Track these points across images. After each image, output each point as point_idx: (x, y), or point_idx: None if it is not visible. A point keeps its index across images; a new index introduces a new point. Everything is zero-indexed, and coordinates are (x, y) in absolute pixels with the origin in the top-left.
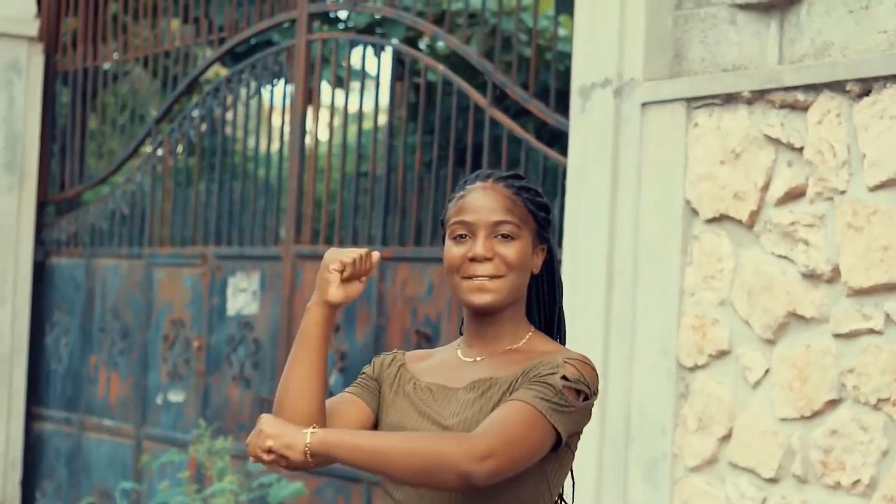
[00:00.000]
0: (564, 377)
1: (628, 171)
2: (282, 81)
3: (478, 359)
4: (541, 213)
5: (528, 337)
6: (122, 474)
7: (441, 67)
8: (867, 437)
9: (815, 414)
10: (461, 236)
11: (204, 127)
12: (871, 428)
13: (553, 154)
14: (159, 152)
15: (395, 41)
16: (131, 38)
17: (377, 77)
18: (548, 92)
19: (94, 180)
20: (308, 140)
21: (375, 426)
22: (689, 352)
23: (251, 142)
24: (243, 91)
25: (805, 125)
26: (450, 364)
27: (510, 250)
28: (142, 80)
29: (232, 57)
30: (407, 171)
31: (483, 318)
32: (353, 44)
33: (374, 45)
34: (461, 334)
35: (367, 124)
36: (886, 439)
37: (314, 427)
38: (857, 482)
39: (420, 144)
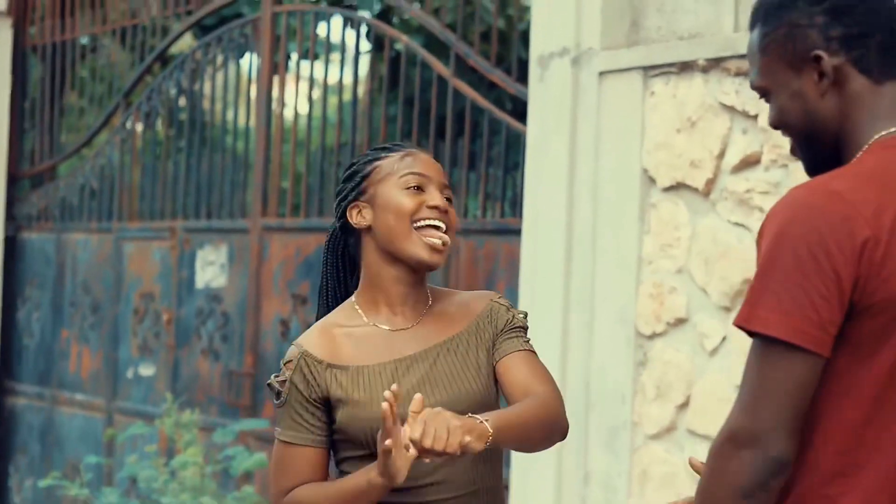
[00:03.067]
0: (522, 315)
1: (586, 140)
2: (252, 54)
3: (412, 326)
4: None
5: (430, 293)
6: (94, 448)
7: (405, 38)
8: None
9: None
10: (417, 188)
11: (172, 100)
12: None
13: (516, 124)
14: (128, 125)
15: (364, 13)
16: (106, 12)
17: (342, 49)
18: (519, 63)
19: (63, 154)
20: (274, 112)
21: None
22: (648, 320)
23: (219, 115)
24: (210, 64)
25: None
26: (381, 338)
27: (453, 212)
28: (117, 53)
29: (203, 30)
30: (372, 143)
31: (415, 280)
32: (319, 16)
33: (342, 17)
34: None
35: (336, 97)
36: None
37: (477, 416)
38: None
39: (384, 117)
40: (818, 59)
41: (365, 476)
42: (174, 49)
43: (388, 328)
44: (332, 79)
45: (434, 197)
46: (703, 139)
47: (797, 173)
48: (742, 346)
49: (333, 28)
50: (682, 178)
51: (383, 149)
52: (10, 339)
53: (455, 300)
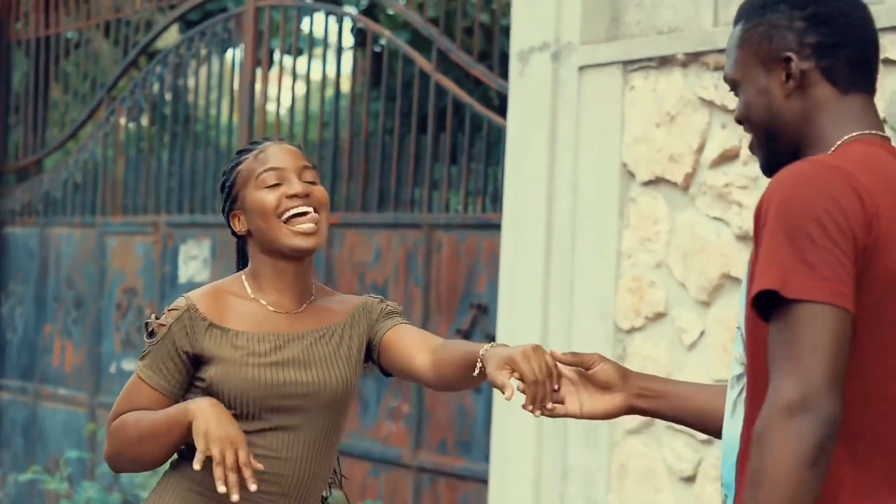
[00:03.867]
0: (395, 303)
1: (566, 135)
2: (236, 49)
3: (294, 311)
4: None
5: (314, 289)
6: (77, 443)
7: (388, 34)
8: None
9: None
10: (275, 185)
11: (155, 95)
12: None
13: (498, 119)
14: (112, 120)
15: (350, 9)
16: (91, 6)
17: (324, 44)
18: (502, 57)
19: (47, 149)
20: (257, 107)
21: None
22: (627, 314)
23: (203, 110)
24: (193, 59)
25: None
26: (264, 315)
27: (319, 190)
28: (103, 48)
29: (189, 25)
30: (354, 138)
31: (296, 268)
32: (302, 11)
33: (326, 13)
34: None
35: (320, 92)
36: None
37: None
38: None
39: (366, 112)
40: (788, 60)
41: (184, 404)
42: (161, 44)
43: (271, 308)
44: (317, 74)
45: (292, 186)
46: (682, 134)
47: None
48: (719, 341)
49: (318, 23)
50: (662, 172)
51: (243, 150)
52: None
53: (336, 298)
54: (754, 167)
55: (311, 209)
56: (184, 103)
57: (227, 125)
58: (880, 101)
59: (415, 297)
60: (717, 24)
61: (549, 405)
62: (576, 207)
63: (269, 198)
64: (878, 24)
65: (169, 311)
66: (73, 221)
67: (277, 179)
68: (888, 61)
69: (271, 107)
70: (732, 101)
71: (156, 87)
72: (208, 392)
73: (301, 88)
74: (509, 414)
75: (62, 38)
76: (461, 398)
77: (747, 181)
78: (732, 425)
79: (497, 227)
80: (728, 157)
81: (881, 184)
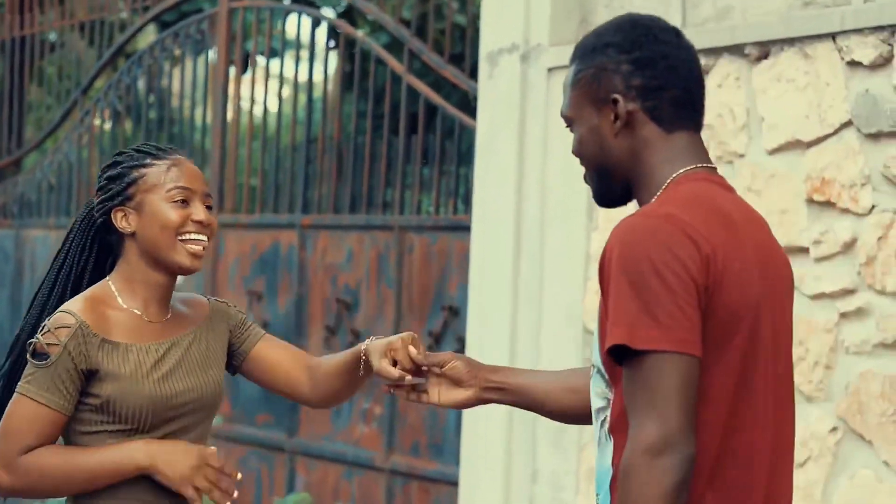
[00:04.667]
0: (242, 310)
1: (535, 136)
2: (209, 50)
3: (164, 319)
4: None
5: (174, 298)
6: None
7: (360, 35)
8: None
9: None
10: (183, 201)
11: (131, 96)
12: None
13: (468, 120)
14: (86, 121)
15: (324, 10)
16: (66, 6)
17: (297, 46)
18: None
19: (24, 149)
20: (230, 108)
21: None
22: (595, 317)
23: (177, 111)
24: (168, 60)
25: (705, 89)
26: (139, 324)
27: (214, 220)
28: (82, 49)
29: (165, 26)
30: (327, 140)
31: (171, 282)
32: (276, 12)
33: (299, 14)
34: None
35: (294, 92)
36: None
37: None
38: None
39: (339, 113)
40: (615, 101)
41: (128, 454)
42: (141, 45)
43: (146, 318)
44: (289, 76)
45: (199, 211)
46: None
47: (743, 170)
48: None
49: (293, 25)
50: None
51: (148, 153)
52: None
53: (182, 301)
54: (722, 169)
55: (205, 238)
56: (158, 104)
57: (201, 125)
58: (846, 102)
59: (387, 299)
60: (686, 26)
61: (413, 395)
62: (545, 209)
63: (176, 214)
64: (844, 25)
65: (57, 329)
66: (48, 223)
67: (186, 199)
68: (854, 63)
69: (245, 107)
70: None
71: (131, 87)
72: (101, 409)
73: (275, 90)
74: (479, 418)
75: (38, 38)
76: None
77: None
78: (601, 456)
79: (468, 228)
80: None
81: (713, 221)
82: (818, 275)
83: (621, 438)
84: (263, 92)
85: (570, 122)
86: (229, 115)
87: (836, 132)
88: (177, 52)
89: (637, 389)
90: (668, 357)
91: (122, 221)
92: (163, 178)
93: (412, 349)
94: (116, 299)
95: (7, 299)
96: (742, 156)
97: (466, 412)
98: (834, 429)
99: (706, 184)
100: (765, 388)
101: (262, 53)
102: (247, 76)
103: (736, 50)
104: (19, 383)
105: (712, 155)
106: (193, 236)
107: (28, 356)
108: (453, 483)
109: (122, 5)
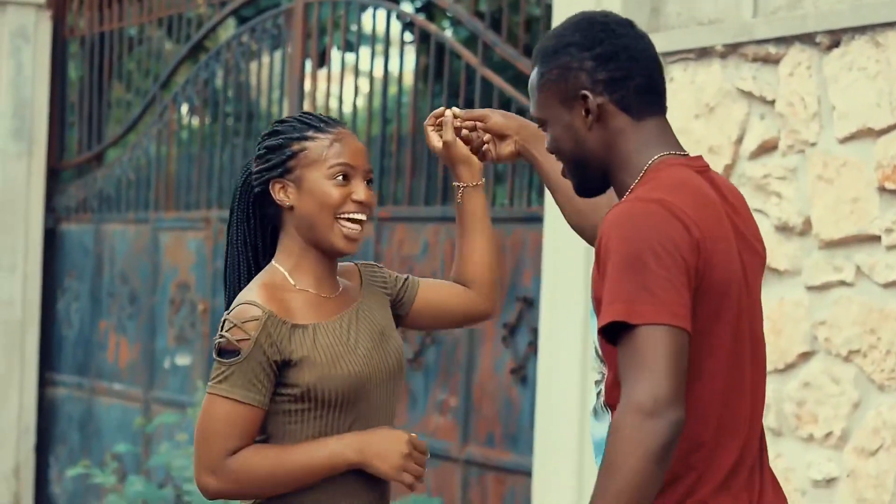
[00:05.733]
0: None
1: None
2: (287, 44)
3: (336, 294)
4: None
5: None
6: (132, 438)
7: (434, 28)
8: (839, 389)
9: (788, 367)
10: (344, 177)
11: (209, 90)
12: (842, 380)
13: None
14: (165, 116)
15: (404, 5)
16: (147, 2)
17: (372, 41)
18: None
19: (103, 144)
20: (306, 104)
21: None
22: None
23: (255, 105)
24: (244, 54)
25: (777, 78)
26: (317, 302)
27: (374, 198)
28: (164, 44)
29: (242, 21)
30: (402, 133)
31: (333, 259)
32: (351, 6)
33: (375, 8)
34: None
35: (375, 86)
36: (857, 391)
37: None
38: (829, 434)
39: (414, 107)
40: (584, 97)
41: (339, 452)
42: (221, 39)
43: (323, 295)
44: (367, 70)
45: (359, 191)
46: (721, 125)
47: (814, 158)
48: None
49: (369, 19)
50: None
51: (311, 125)
52: (49, 330)
53: (349, 269)
54: (793, 158)
55: (365, 217)
56: (236, 98)
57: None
58: None
59: None
60: (757, 15)
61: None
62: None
63: (336, 193)
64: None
65: (244, 322)
66: (127, 217)
67: (348, 175)
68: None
69: (321, 103)
70: (772, 93)
71: (209, 82)
72: (303, 398)
73: (352, 84)
74: (553, 408)
75: (117, 33)
76: (507, 391)
77: (786, 172)
78: (599, 426)
79: (542, 220)
80: (767, 148)
81: (698, 205)
82: (890, 263)
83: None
84: (339, 87)
85: (542, 123)
86: (305, 108)
87: None
88: (254, 46)
89: (631, 359)
90: (662, 329)
91: (280, 194)
92: (325, 154)
93: (455, 110)
94: (289, 281)
95: (88, 293)
96: (814, 144)
97: (538, 401)
98: None
99: (684, 169)
100: (747, 357)
101: (338, 47)
102: (323, 71)
103: (807, 38)
104: (210, 383)
105: (783, 144)
106: (352, 216)
107: (214, 355)
108: (528, 473)
109: (200, 0)
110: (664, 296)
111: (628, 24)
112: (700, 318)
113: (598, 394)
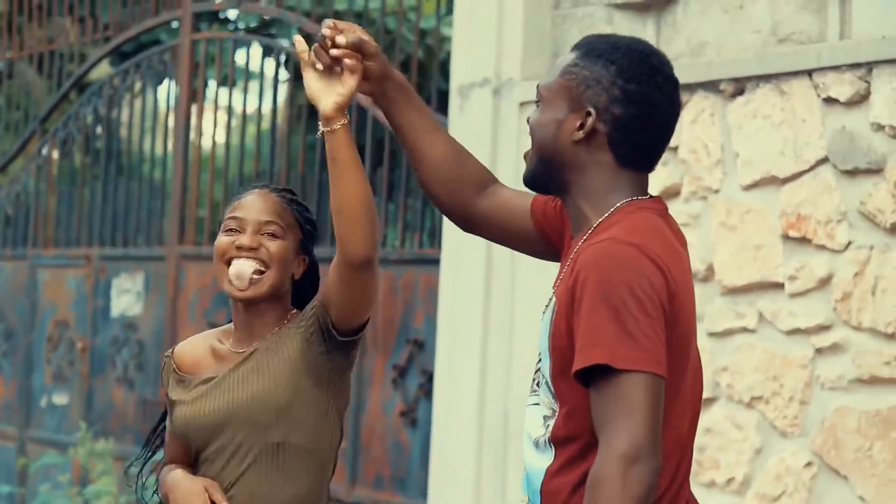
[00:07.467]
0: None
1: (507, 171)
2: (170, 81)
3: (241, 351)
4: (307, 226)
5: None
6: (6, 477)
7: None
8: (741, 435)
9: None
10: (231, 230)
11: (89, 127)
12: (744, 426)
13: None
14: (44, 152)
15: (284, 41)
16: (23, 38)
17: (261, 77)
18: (439, 93)
19: None
20: (192, 140)
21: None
22: None
23: (136, 143)
24: (127, 91)
25: (680, 125)
26: (218, 355)
27: (274, 245)
28: (34, 80)
29: (122, 57)
30: (291, 171)
31: (248, 310)
32: (237, 44)
33: (260, 45)
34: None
35: (256, 125)
36: (760, 437)
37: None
38: (731, 480)
39: (303, 145)
40: (588, 114)
41: (167, 484)
42: (93, 76)
43: (227, 346)
44: (252, 107)
45: (244, 238)
46: None
47: (717, 205)
48: None
49: (253, 56)
50: None
51: (243, 189)
52: None
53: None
54: (696, 204)
55: (254, 263)
56: (117, 136)
57: (161, 158)
58: (822, 138)
59: None
60: None
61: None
62: None
63: (223, 241)
64: (820, 62)
65: (166, 353)
66: (4, 254)
67: (237, 227)
68: (830, 100)
69: (206, 139)
70: (674, 139)
71: (89, 119)
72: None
73: (236, 121)
74: (448, 449)
75: None
76: (397, 434)
77: (689, 218)
78: (538, 458)
79: (435, 261)
80: (670, 194)
81: (670, 255)
82: (793, 310)
83: (563, 451)
84: (225, 124)
85: (540, 99)
86: (191, 146)
87: (811, 168)
88: (138, 83)
89: (611, 404)
90: (644, 376)
91: None
92: (226, 212)
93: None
94: (227, 331)
95: None
96: (717, 191)
97: (433, 443)
98: (809, 464)
99: (653, 214)
100: (698, 398)
101: (224, 85)
102: (207, 108)
103: (711, 86)
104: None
105: (686, 190)
106: (234, 260)
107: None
108: None
109: (82, 37)
110: (646, 343)
111: (674, 84)
112: (670, 364)
113: (547, 428)
